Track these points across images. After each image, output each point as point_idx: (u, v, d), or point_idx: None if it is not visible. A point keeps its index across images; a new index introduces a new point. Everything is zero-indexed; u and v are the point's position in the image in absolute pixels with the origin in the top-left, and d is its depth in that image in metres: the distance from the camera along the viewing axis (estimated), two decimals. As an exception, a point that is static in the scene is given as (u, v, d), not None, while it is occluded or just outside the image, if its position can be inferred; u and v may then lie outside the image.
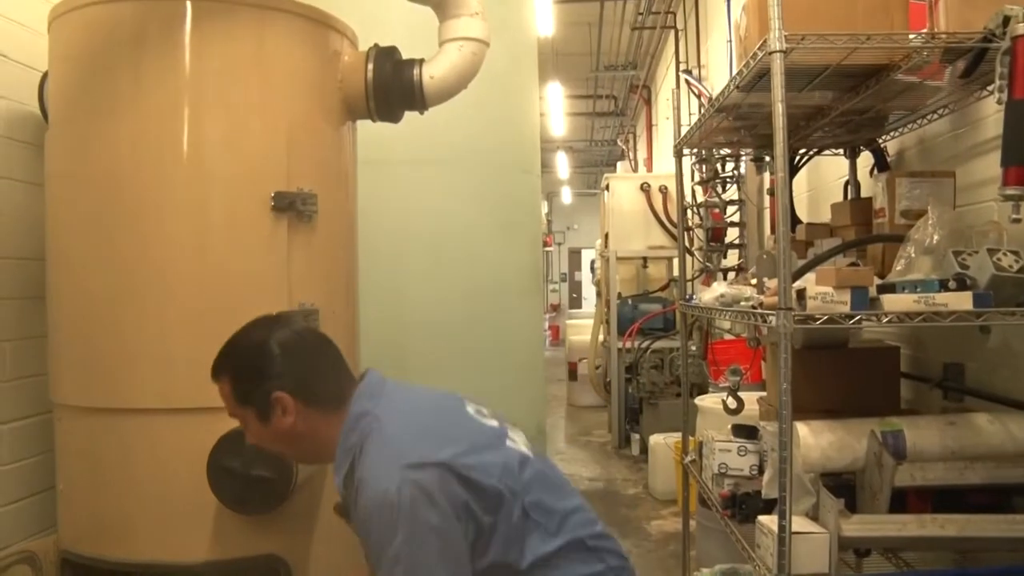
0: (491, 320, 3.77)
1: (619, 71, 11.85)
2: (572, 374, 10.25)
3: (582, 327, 10.26)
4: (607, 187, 7.91)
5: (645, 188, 7.61)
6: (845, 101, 2.59)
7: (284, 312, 1.85)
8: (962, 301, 1.99)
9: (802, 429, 2.22)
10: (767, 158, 3.76)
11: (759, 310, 2.23)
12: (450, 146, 3.65)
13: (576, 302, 22.30)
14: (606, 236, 7.90)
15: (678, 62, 8.76)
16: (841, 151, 3.40)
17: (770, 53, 2.04)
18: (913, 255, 2.24)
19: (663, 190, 7.52)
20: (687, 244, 5.71)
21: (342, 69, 2.45)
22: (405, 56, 2.52)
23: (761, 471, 2.58)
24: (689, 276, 5.01)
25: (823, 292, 2.04)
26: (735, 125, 3.06)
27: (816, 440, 2.22)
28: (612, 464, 7.13)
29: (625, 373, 7.29)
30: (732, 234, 6.12)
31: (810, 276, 2.25)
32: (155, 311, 2.14)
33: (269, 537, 2.17)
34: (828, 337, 2.50)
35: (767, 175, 5.22)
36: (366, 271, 2.72)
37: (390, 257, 3.51)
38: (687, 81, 6.92)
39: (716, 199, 5.98)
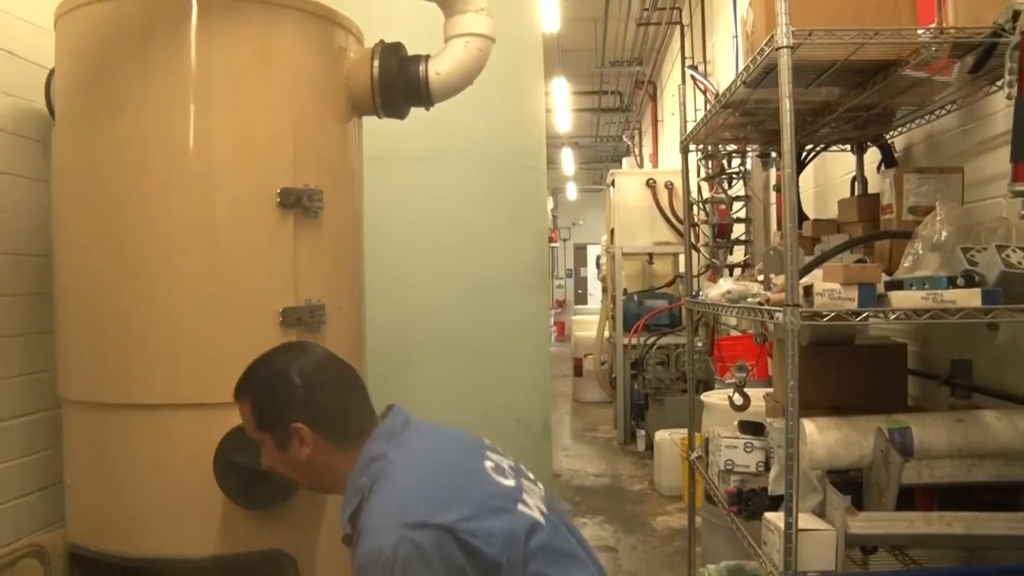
0: (497, 316, 3.77)
1: (624, 67, 11.83)
2: (577, 370, 10.26)
3: (588, 323, 10.27)
4: (613, 183, 7.90)
5: (651, 184, 7.60)
6: (852, 97, 2.58)
7: (307, 341, 1.84)
8: (970, 298, 1.98)
9: (809, 426, 2.22)
10: (773, 154, 3.75)
11: (766, 306, 2.23)
12: (456, 142, 3.65)
13: (581, 298, 22.33)
14: (612, 232, 7.90)
15: (683, 58, 8.74)
16: (848, 147, 3.39)
17: (777, 49, 2.03)
18: (921, 252, 2.23)
19: (669, 186, 7.51)
20: (693, 240, 5.70)
21: (348, 65, 2.45)
22: (411, 52, 2.52)
23: (767, 468, 2.57)
24: (695, 272, 5.00)
25: (830, 289, 2.03)
26: (741, 121, 3.05)
27: (823, 437, 2.22)
28: (617, 460, 7.14)
29: (631, 369, 7.29)
30: (738, 230, 6.13)
31: (817, 272, 2.25)
32: (162, 307, 2.14)
33: (275, 532, 2.17)
34: (835, 334, 2.49)
35: (773, 171, 5.21)
36: (372, 267, 2.72)
37: (396, 253, 3.51)
38: (693, 77, 6.92)
39: (722, 195, 5.98)
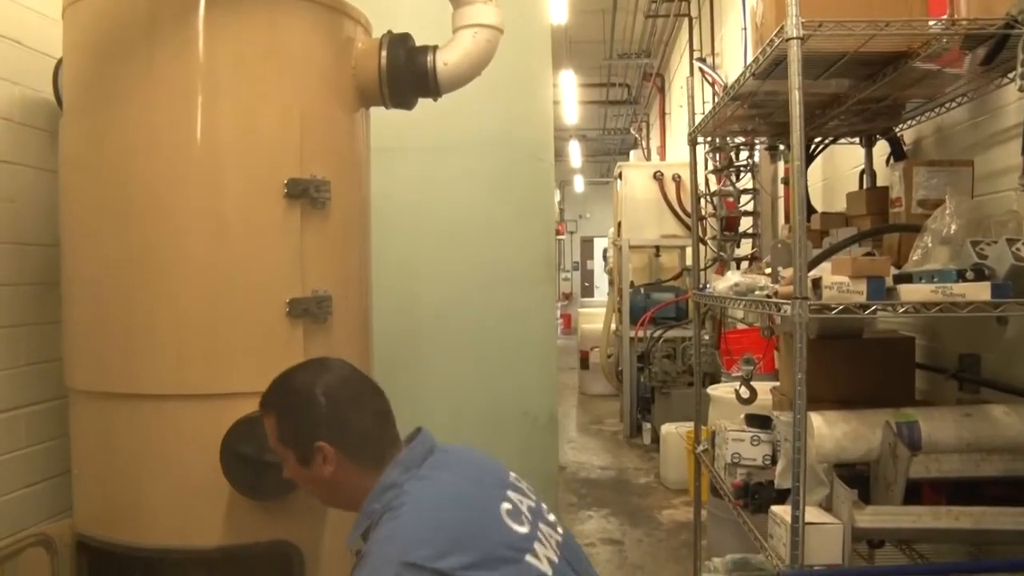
0: (504, 308, 3.76)
1: (632, 59, 11.78)
2: (584, 362, 10.27)
3: (594, 316, 10.27)
4: (620, 175, 7.89)
5: (658, 177, 7.59)
6: (862, 89, 2.57)
7: (333, 358, 1.84)
8: (980, 291, 1.97)
9: (816, 419, 2.21)
10: (781, 147, 3.74)
11: (774, 299, 2.22)
12: (463, 133, 3.64)
13: (588, 291, 22.30)
14: (619, 225, 7.89)
15: (692, 50, 8.70)
16: (856, 140, 3.37)
17: (787, 40, 2.02)
18: (930, 245, 2.22)
19: (676, 179, 7.49)
20: (700, 233, 5.69)
21: (355, 56, 2.44)
22: (419, 43, 2.51)
23: (774, 461, 2.57)
24: (702, 265, 4.99)
25: (839, 282, 2.02)
26: (750, 113, 3.04)
27: (830, 430, 2.21)
28: (623, 453, 7.14)
29: (637, 362, 7.29)
30: (746, 223, 6.11)
31: (825, 265, 2.24)
32: (169, 297, 2.14)
33: (281, 523, 2.18)
34: (842, 327, 2.48)
35: (781, 164, 5.19)
36: (379, 258, 2.71)
37: (403, 244, 3.51)
38: (701, 70, 6.89)
39: (730, 188, 5.96)
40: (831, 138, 3.42)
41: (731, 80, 2.81)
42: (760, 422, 2.70)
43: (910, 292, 2.03)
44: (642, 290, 7.86)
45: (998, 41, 2.11)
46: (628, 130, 16.15)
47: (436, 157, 3.62)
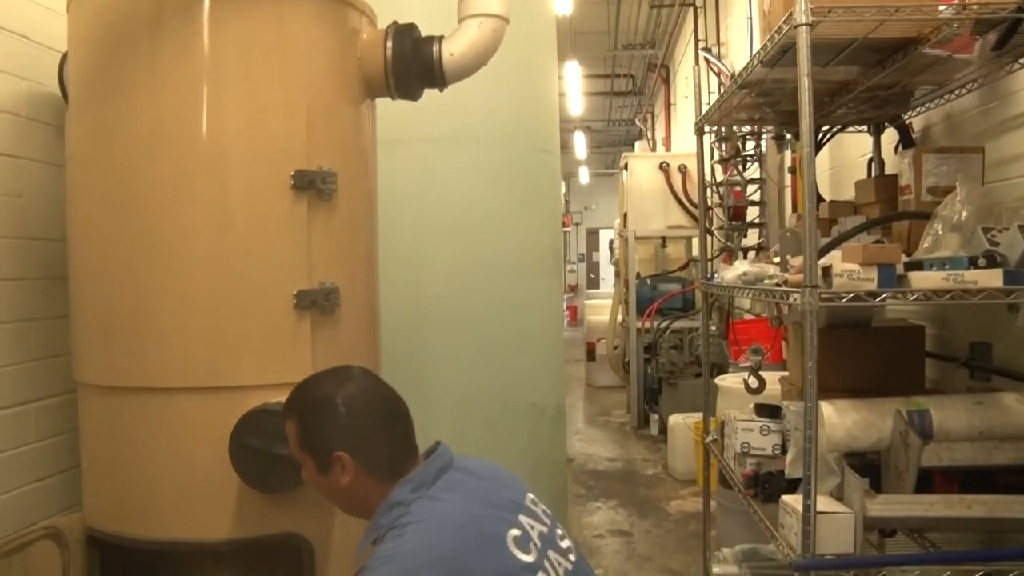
0: (510, 299, 3.75)
1: (637, 50, 11.75)
2: (590, 354, 10.26)
3: (600, 307, 10.25)
4: (626, 166, 7.87)
5: (664, 167, 7.56)
6: (870, 76, 2.55)
7: (356, 367, 1.84)
8: (992, 278, 1.95)
9: (826, 408, 2.20)
10: (788, 136, 3.72)
11: (783, 288, 2.21)
12: (469, 125, 3.63)
13: (594, 282, 22.30)
14: (625, 216, 7.87)
15: (697, 40, 8.66)
16: (865, 128, 3.35)
17: (796, 27, 2.00)
18: (941, 232, 2.20)
19: (682, 169, 7.47)
20: (707, 223, 5.68)
21: (361, 47, 2.43)
22: (424, 33, 2.50)
23: (784, 451, 2.56)
24: (709, 256, 4.97)
25: (849, 269, 2.01)
26: (757, 102, 3.02)
27: (841, 419, 2.20)
28: (631, 444, 7.14)
29: (644, 353, 7.28)
30: (752, 213, 6.09)
31: (835, 254, 2.22)
32: (176, 290, 2.14)
33: (290, 516, 2.18)
34: (851, 316, 2.47)
35: (788, 153, 5.17)
36: (386, 249, 2.71)
37: (410, 235, 3.50)
38: (706, 60, 6.86)
39: (737, 178, 5.94)
40: (839, 126, 3.40)
41: (738, 69, 2.80)
42: (769, 412, 2.69)
43: (921, 279, 2.01)
44: (648, 281, 7.85)
45: (1009, 26, 2.09)
46: (633, 121, 16.13)
47: (442, 148, 3.61)
